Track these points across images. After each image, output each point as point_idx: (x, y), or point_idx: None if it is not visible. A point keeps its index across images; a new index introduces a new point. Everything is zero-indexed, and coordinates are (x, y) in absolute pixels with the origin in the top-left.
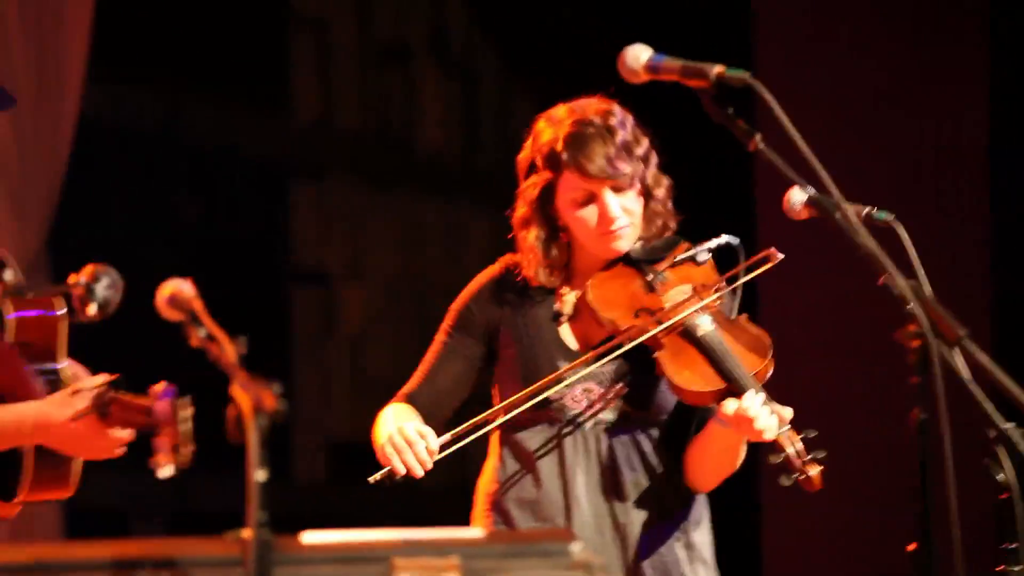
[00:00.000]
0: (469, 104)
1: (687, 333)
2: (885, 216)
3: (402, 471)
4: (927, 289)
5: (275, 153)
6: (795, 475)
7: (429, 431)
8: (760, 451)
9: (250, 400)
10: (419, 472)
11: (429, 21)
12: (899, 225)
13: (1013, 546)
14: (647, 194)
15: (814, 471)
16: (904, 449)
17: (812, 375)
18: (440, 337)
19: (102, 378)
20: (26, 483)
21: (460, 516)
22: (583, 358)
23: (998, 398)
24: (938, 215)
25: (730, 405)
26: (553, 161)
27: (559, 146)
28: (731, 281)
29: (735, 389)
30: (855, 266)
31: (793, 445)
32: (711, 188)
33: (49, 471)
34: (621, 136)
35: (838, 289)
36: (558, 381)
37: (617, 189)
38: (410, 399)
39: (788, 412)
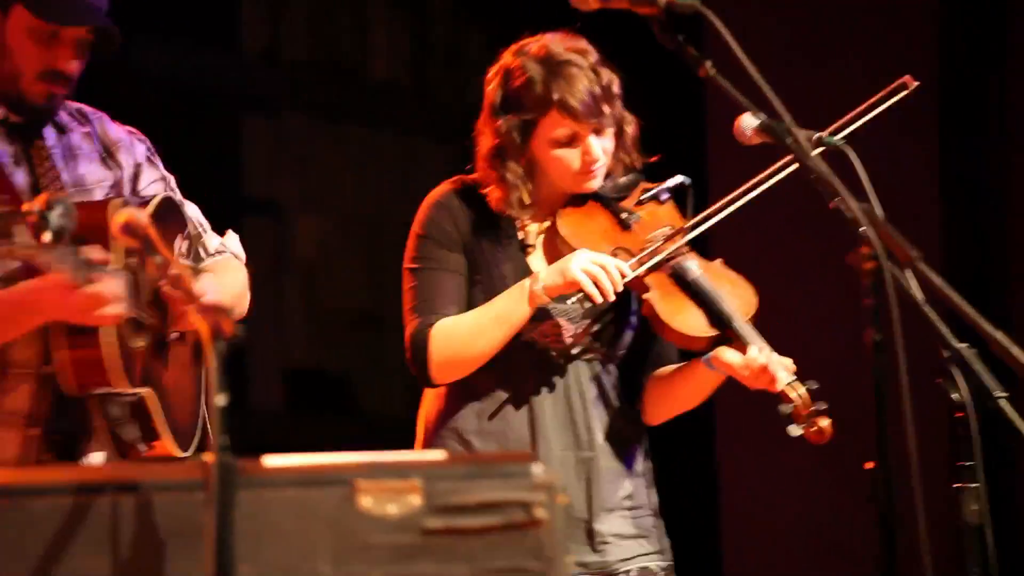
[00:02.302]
0: (420, 34)
1: (676, 275)
2: (836, 141)
3: (599, 297)
4: (879, 212)
5: (224, 85)
6: (803, 425)
7: (617, 259)
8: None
9: (208, 325)
10: (612, 295)
11: None
12: (850, 149)
13: (968, 464)
14: (618, 134)
15: (824, 422)
16: (859, 371)
17: (765, 299)
18: (417, 266)
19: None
20: (65, 362)
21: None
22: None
23: (951, 319)
24: (888, 138)
25: (731, 354)
26: (537, 100)
27: (545, 85)
28: (864, 115)
29: (731, 335)
30: (807, 191)
31: (799, 395)
32: (662, 116)
33: (81, 350)
34: (605, 77)
35: (789, 214)
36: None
37: (598, 131)
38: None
39: (789, 362)
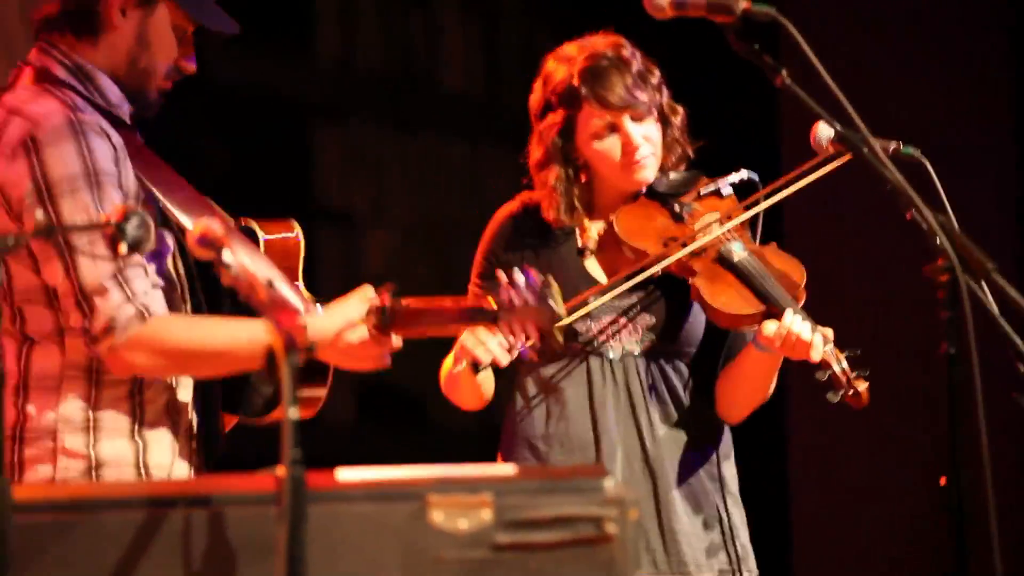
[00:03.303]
0: (492, 44)
1: (722, 259)
2: (912, 151)
3: (486, 359)
4: (955, 223)
5: (296, 94)
6: (842, 391)
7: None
8: (787, 378)
9: (282, 337)
10: (504, 360)
11: None
12: (926, 160)
13: None
14: (664, 122)
15: (862, 387)
16: (934, 383)
17: (839, 311)
18: (473, 289)
19: (369, 289)
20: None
21: (489, 457)
22: (614, 278)
23: None
24: (964, 150)
25: (770, 326)
26: (570, 97)
27: (575, 81)
28: (797, 179)
29: (774, 311)
30: (882, 201)
31: (839, 362)
32: (736, 124)
33: (306, 390)
34: (635, 66)
35: (866, 224)
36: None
37: (636, 118)
38: None
39: (829, 331)
